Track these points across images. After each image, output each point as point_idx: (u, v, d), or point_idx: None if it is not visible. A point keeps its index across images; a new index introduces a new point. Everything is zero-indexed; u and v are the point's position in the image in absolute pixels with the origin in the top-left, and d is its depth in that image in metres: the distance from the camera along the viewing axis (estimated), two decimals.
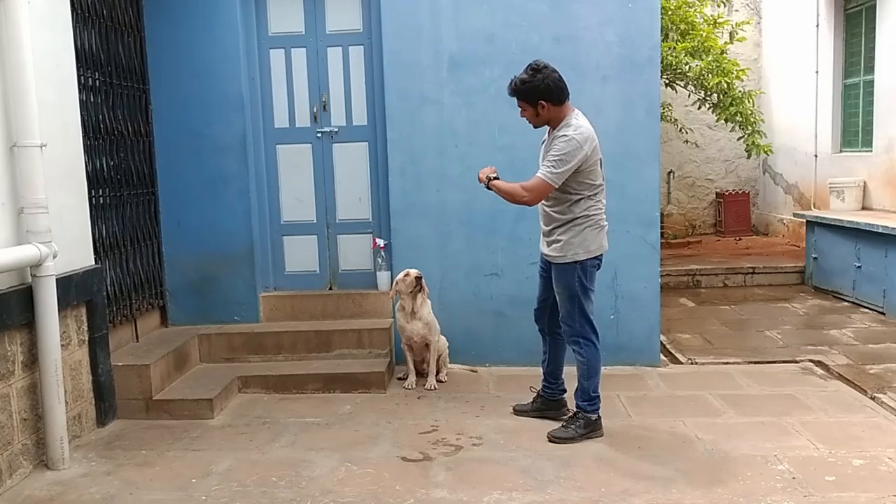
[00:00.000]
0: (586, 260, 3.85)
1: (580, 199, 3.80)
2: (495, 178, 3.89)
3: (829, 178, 8.59)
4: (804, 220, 8.30)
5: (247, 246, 5.30)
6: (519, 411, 4.31)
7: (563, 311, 3.94)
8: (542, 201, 3.87)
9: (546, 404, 4.26)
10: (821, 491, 3.25)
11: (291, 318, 5.38)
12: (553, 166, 3.69)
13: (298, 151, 5.41)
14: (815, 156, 9.33)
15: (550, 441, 3.89)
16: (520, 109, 3.89)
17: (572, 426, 3.95)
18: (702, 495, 3.25)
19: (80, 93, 4.22)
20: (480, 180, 3.95)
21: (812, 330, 6.12)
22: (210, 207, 5.26)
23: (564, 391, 4.26)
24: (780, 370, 5.01)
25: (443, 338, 4.99)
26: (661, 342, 5.42)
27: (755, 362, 5.20)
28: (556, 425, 4.02)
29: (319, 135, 5.39)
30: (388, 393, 4.77)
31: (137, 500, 3.38)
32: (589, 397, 3.96)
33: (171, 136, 5.20)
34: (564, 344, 4.10)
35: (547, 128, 3.95)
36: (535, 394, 4.34)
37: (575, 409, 4.01)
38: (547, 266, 4.03)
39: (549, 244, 3.93)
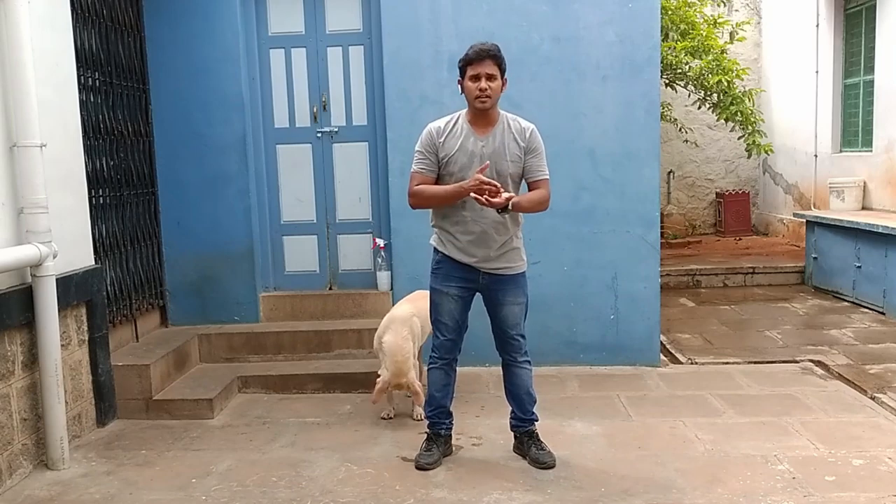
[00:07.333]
0: None
1: None
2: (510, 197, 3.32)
3: (829, 178, 8.59)
4: (804, 220, 8.29)
5: (247, 246, 5.30)
6: (430, 466, 3.58)
7: (519, 325, 3.60)
8: (497, 211, 3.35)
9: (448, 443, 3.76)
10: (821, 491, 3.25)
11: (291, 318, 5.38)
12: (544, 162, 3.52)
13: (298, 151, 5.41)
14: (815, 156, 9.33)
15: (550, 468, 3.53)
16: (480, 79, 3.35)
17: (544, 444, 3.64)
18: (702, 495, 3.25)
19: (80, 93, 4.22)
20: (494, 204, 3.25)
21: (812, 330, 6.12)
22: (210, 207, 5.26)
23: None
24: (779, 370, 5.00)
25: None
26: (661, 342, 5.42)
27: (755, 362, 5.19)
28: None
29: (319, 135, 5.39)
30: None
31: (137, 500, 3.39)
32: (535, 402, 3.70)
33: (171, 136, 5.21)
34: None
35: (455, 127, 3.48)
36: (433, 437, 3.71)
37: (529, 429, 3.67)
38: (476, 287, 3.58)
39: (503, 256, 3.51)
